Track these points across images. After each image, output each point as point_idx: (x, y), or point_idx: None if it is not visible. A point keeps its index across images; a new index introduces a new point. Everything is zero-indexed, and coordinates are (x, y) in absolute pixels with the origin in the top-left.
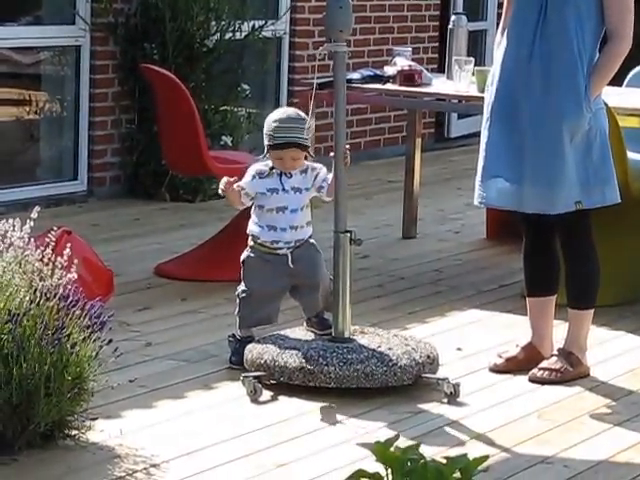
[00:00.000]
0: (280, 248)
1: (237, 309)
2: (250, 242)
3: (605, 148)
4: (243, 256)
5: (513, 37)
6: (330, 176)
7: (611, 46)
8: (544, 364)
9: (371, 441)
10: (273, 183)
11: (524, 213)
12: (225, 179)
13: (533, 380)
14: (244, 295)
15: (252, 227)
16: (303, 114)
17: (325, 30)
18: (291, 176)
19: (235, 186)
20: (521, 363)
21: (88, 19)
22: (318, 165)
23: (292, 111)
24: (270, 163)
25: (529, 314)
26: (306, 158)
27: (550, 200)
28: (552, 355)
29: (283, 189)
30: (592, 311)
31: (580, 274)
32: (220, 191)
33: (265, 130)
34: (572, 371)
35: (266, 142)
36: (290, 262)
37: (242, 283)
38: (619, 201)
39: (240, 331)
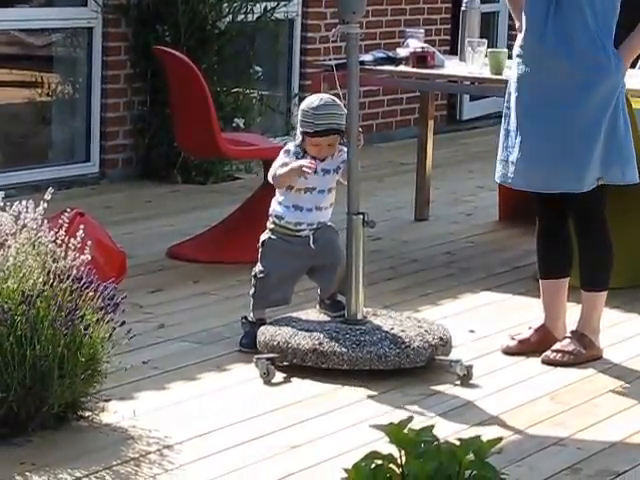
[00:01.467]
0: (303, 230)
1: (252, 290)
2: (271, 224)
3: (628, 127)
4: (263, 237)
5: (528, 20)
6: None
7: None
8: (557, 346)
9: (384, 423)
10: (289, 159)
11: (540, 194)
12: (306, 163)
13: (546, 362)
14: (262, 276)
15: (276, 207)
16: (337, 100)
17: (338, 12)
18: (323, 160)
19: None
20: (534, 345)
21: (100, 1)
22: (344, 148)
23: (328, 97)
24: (298, 143)
25: (542, 296)
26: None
27: (580, 178)
28: (565, 337)
29: (314, 171)
30: (605, 293)
31: (593, 255)
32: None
33: (302, 117)
34: (585, 353)
35: (304, 129)
36: (312, 243)
37: (259, 264)
38: (637, 182)
39: (253, 313)
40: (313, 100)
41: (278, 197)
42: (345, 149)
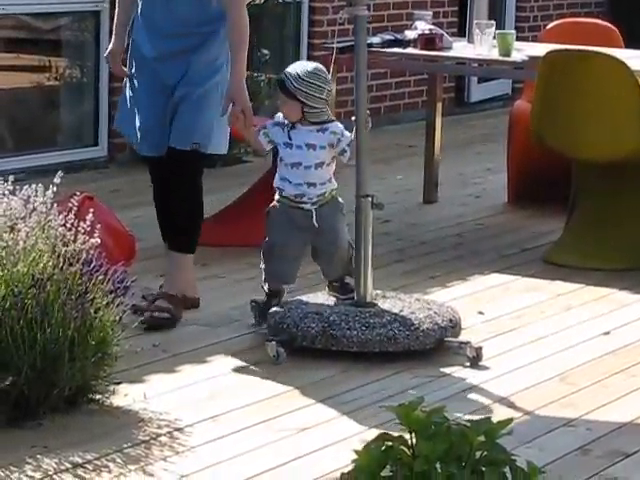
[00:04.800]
0: (304, 202)
1: (261, 262)
2: (276, 195)
3: None
4: (268, 208)
5: None
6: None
7: None
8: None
9: (394, 405)
10: (285, 135)
11: None
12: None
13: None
14: (265, 247)
15: (276, 180)
16: (322, 70)
17: None
18: (293, 128)
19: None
20: None
21: None
22: (339, 128)
23: (312, 66)
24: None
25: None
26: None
27: None
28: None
29: (296, 146)
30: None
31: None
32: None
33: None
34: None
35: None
36: (314, 220)
37: (266, 236)
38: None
39: (268, 284)
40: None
41: (278, 170)
42: (342, 130)
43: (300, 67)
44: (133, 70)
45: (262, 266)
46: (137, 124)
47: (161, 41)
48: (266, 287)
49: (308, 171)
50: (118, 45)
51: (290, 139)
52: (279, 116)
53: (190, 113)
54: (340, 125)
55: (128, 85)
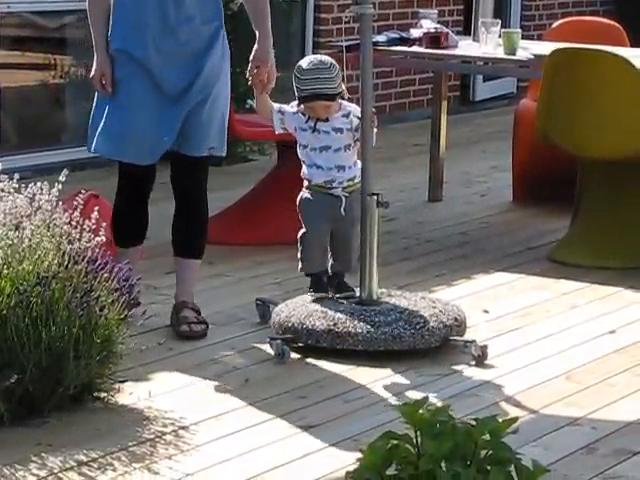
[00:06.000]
0: (335, 187)
1: (299, 252)
2: (305, 183)
3: None
4: (299, 198)
5: None
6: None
7: None
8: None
9: (399, 403)
10: (308, 122)
11: None
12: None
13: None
14: (301, 236)
15: (304, 169)
16: (330, 60)
17: None
18: (327, 120)
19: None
20: None
21: None
22: (359, 111)
23: (319, 59)
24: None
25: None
26: (343, 98)
27: None
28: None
29: (324, 131)
30: None
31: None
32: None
33: (293, 79)
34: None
35: (296, 92)
36: (343, 208)
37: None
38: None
39: (305, 270)
40: (303, 62)
41: (301, 158)
42: (355, 108)
43: (319, 70)
44: (119, 77)
45: (299, 255)
46: (122, 130)
47: (160, 41)
48: (308, 271)
49: (338, 153)
50: (106, 60)
51: (315, 125)
52: (294, 105)
53: (204, 119)
54: (358, 107)
55: (111, 95)
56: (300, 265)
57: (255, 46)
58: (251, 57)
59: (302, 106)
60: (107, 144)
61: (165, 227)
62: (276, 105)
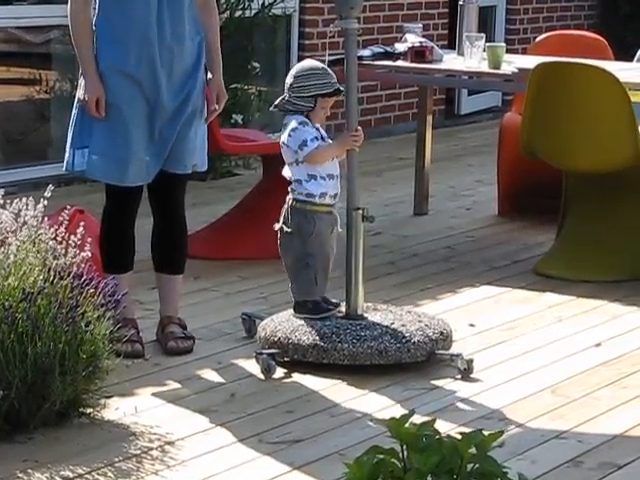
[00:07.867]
0: (329, 205)
1: (301, 278)
2: (316, 201)
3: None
4: (302, 222)
5: None
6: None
7: None
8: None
9: (385, 417)
10: (315, 132)
11: None
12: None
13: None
14: (307, 262)
15: (314, 185)
16: (318, 65)
17: (335, 7)
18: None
19: None
20: None
21: None
22: None
23: (308, 66)
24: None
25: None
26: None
27: None
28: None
29: (328, 137)
30: None
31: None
32: None
33: (316, 79)
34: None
35: (320, 91)
36: (339, 225)
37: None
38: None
39: (314, 295)
40: (312, 62)
41: (307, 172)
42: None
43: (325, 69)
44: (112, 99)
45: (303, 280)
46: (122, 155)
47: (156, 58)
48: (312, 298)
49: (336, 161)
50: (99, 84)
51: (321, 134)
52: (296, 120)
53: (192, 135)
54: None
55: (104, 118)
56: (304, 291)
57: (213, 76)
58: (210, 86)
59: (303, 116)
60: (104, 168)
61: (149, 242)
62: (315, 143)
